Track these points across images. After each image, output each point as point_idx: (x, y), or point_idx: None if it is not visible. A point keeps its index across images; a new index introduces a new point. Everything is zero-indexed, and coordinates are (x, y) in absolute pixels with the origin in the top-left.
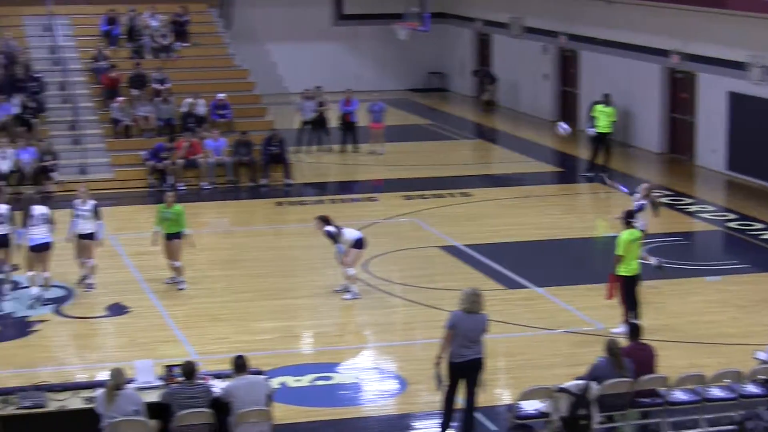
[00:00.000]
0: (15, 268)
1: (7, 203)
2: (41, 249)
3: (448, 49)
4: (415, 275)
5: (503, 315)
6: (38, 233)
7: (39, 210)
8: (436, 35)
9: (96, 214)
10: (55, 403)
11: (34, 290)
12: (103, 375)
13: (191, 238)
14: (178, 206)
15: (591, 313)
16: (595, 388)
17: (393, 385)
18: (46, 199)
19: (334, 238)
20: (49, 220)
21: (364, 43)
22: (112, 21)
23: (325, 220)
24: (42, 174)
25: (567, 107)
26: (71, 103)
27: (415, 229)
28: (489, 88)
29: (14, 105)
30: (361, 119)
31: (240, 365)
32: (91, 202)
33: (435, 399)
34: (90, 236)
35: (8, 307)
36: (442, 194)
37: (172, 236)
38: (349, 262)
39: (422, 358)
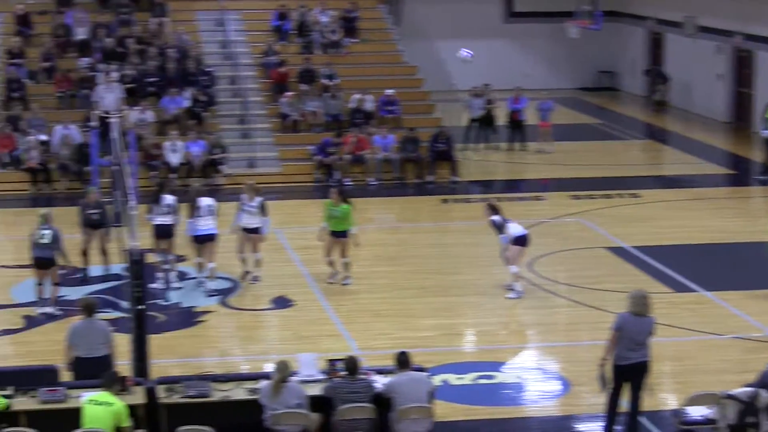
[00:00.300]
0: (181, 258)
1: (173, 194)
2: (206, 240)
3: (620, 48)
4: (581, 276)
5: (670, 318)
6: (204, 224)
7: (205, 201)
8: (607, 33)
9: (262, 210)
10: (220, 393)
11: (202, 276)
12: (267, 367)
13: (356, 236)
14: (346, 205)
15: (762, 319)
16: (765, 396)
17: (556, 386)
18: (214, 192)
19: (499, 228)
20: (214, 212)
21: (534, 40)
22: (282, 16)
23: (493, 209)
24: (211, 167)
25: (741, 108)
26: (241, 97)
27: (581, 230)
28: (660, 87)
29: (186, 98)
30: (530, 117)
31: (403, 361)
32: (258, 199)
33: (599, 401)
34: (255, 231)
35: (175, 297)
36: (611, 195)
37: (339, 234)
38: (510, 258)
39: (586, 359)
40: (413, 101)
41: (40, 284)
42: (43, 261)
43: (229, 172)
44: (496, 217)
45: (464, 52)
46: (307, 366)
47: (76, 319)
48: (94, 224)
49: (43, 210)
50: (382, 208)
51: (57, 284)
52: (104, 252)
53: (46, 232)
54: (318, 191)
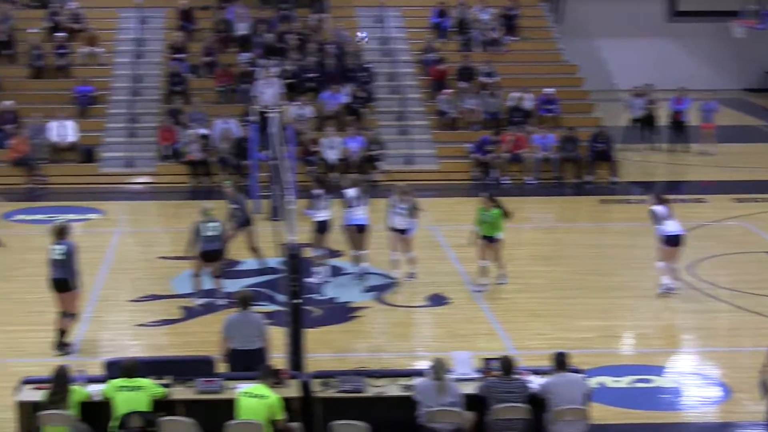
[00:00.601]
0: (337, 253)
1: (329, 190)
2: (359, 230)
3: None
4: (743, 280)
5: None
6: (356, 215)
7: (353, 192)
8: None
9: (412, 211)
10: (374, 388)
11: (359, 269)
12: (421, 364)
13: (502, 243)
14: (497, 209)
15: None
16: None
17: (716, 392)
18: (371, 188)
19: (657, 220)
20: (364, 202)
21: (698, 40)
22: (442, 14)
23: (659, 199)
24: (368, 163)
25: None
26: (399, 94)
27: (744, 234)
28: None
29: (344, 94)
30: (693, 118)
31: (560, 362)
32: (409, 200)
33: (760, 409)
34: (405, 232)
35: (331, 291)
36: None
37: (490, 238)
38: (662, 255)
39: (748, 366)
40: (573, 100)
41: (197, 276)
42: (211, 253)
43: (387, 168)
44: (657, 207)
45: (360, 35)
46: (462, 364)
47: (232, 312)
48: (237, 220)
49: (208, 203)
50: (540, 207)
51: (218, 277)
52: (254, 249)
53: (213, 224)
54: (475, 189)
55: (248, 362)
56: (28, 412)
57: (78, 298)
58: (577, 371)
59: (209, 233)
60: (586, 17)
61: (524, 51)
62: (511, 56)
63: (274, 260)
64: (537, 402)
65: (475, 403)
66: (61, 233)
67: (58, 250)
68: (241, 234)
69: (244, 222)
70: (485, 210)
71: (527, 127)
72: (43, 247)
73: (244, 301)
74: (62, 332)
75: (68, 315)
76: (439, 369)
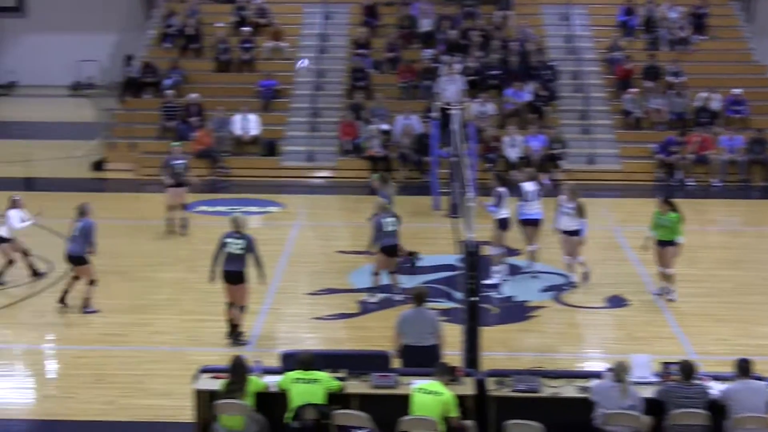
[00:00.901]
0: (515, 252)
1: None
2: (532, 224)
3: None
4: None
5: None
6: (530, 209)
7: (530, 186)
8: None
9: (580, 212)
10: (549, 389)
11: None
12: (598, 366)
13: (681, 248)
14: (674, 213)
15: None
16: None
17: None
18: (554, 188)
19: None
20: (539, 197)
21: None
22: (629, 12)
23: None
24: (549, 162)
25: None
26: (583, 92)
27: None
28: None
29: (527, 92)
30: None
31: (743, 369)
32: (576, 201)
33: None
34: (574, 233)
35: (508, 290)
36: None
37: (665, 243)
38: None
39: None
40: (762, 101)
41: (377, 274)
42: (390, 248)
43: (568, 167)
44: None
45: (301, 63)
46: (641, 367)
47: (407, 308)
48: None
49: (382, 199)
50: (726, 210)
51: (395, 272)
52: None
53: (391, 219)
54: (658, 190)
55: (420, 359)
56: (205, 401)
57: (248, 291)
58: (760, 378)
59: (389, 228)
60: None
61: (713, 50)
62: (699, 55)
63: (452, 257)
64: (717, 408)
65: (653, 407)
66: (240, 227)
67: (238, 245)
68: None
69: None
70: (662, 214)
71: (714, 128)
72: None
73: (419, 297)
74: (234, 324)
75: (238, 307)
76: (621, 371)
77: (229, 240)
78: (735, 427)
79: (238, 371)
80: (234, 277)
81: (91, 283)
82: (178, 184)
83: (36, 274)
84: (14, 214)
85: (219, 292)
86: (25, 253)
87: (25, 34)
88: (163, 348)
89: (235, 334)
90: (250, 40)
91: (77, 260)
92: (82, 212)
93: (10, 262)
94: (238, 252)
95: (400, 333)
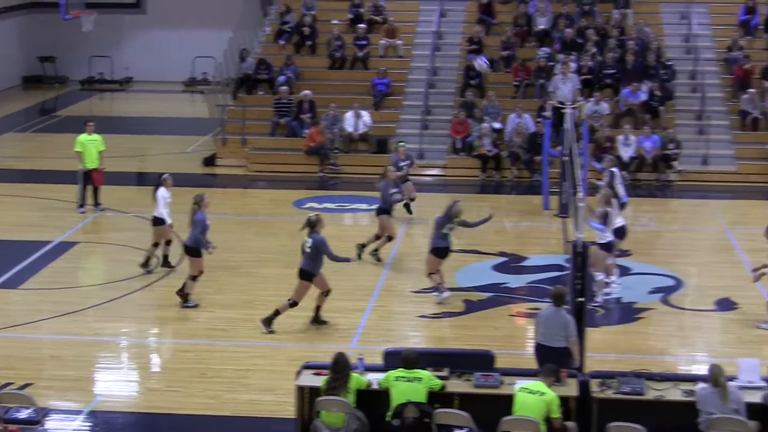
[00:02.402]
0: (625, 253)
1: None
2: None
3: None
4: None
5: None
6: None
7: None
8: None
9: (603, 219)
10: (654, 392)
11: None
12: (705, 369)
13: None
14: None
15: None
16: None
17: None
18: (665, 188)
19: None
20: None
21: None
22: (750, 11)
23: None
24: (663, 162)
25: None
26: (700, 92)
27: None
28: None
29: (643, 92)
30: None
31: None
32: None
33: None
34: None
35: (616, 291)
36: None
37: None
38: None
39: None
40: None
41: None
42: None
43: (681, 168)
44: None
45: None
46: (748, 372)
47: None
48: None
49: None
50: None
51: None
52: (377, 236)
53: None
54: None
55: (550, 359)
56: (307, 397)
57: (323, 279)
58: None
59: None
60: None
61: None
62: None
63: (560, 257)
64: None
65: (760, 412)
66: (312, 226)
67: (307, 243)
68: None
69: (379, 210)
70: None
71: None
72: (330, 235)
73: (557, 297)
74: (318, 307)
75: (324, 294)
76: (717, 375)
77: (304, 239)
78: None
79: (339, 368)
80: (304, 274)
81: (193, 278)
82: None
83: (168, 265)
84: (162, 194)
85: None
86: (168, 242)
87: (141, 30)
88: (267, 344)
89: (315, 319)
90: (364, 38)
91: (190, 251)
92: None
93: (168, 243)
94: (308, 250)
95: (536, 330)
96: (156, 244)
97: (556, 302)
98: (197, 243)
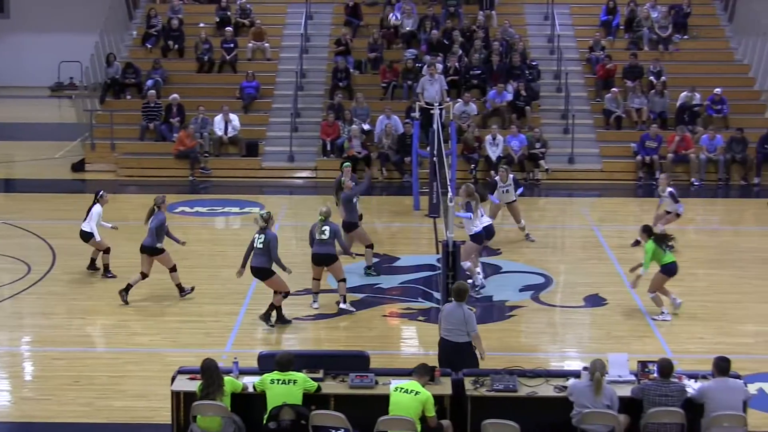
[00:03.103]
0: (496, 252)
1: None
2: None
3: None
4: None
5: None
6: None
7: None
8: None
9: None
10: (526, 388)
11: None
12: (576, 365)
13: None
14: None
15: None
16: None
17: None
18: (533, 187)
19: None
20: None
21: None
22: (611, 11)
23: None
24: (530, 161)
25: None
26: (564, 92)
27: None
28: None
29: (509, 92)
30: None
31: (722, 367)
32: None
33: None
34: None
35: (487, 290)
36: None
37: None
38: None
39: None
40: (744, 100)
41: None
42: (321, 257)
43: (548, 167)
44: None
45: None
46: (618, 366)
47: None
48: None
49: (324, 207)
50: (704, 209)
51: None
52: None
53: (326, 228)
54: (639, 190)
55: (453, 354)
56: (183, 402)
57: (278, 280)
58: (737, 377)
59: (322, 237)
60: (760, 15)
61: (695, 50)
62: (680, 55)
63: (431, 257)
64: (693, 407)
65: (630, 406)
66: (265, 223)
67: (259, 240)
68: None
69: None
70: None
71: (695, 127)
72: (202, 239)
73: (458, 293)
74: (276, 308)
75: (278, 293)
76: (597, 370)
77: (255, 236)
78: (711, 425)
79: (208, 373)
80: (258, 272)
81: (173, 269)
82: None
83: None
84: (98, 210)
85: (198, 294)
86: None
87: (4, 34)
88: (140, 349)
89: (279, 318)
90: (232, 41)
91: (151, 251)
92: (157, 205)
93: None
94: (260, 246)
95: (440, 325)
96: (108, 251)
97: (457, 298)
98: (154, 242)
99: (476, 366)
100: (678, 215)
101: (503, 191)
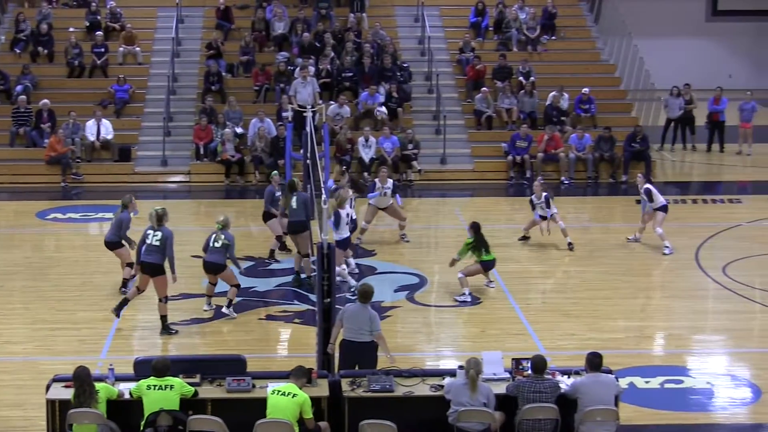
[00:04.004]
0: (372, 253)
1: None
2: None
3: None
4: None
5: None
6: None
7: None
8: None
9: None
10: (403, 388)
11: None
12: (451, 364)
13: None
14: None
15: None
16: None
17: (746, 393)
18: (406, 188)
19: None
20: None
21: (738, 39)
22: (480, 13)
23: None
24: (403, 162)
25: None
26: (436, 93)
27: None
28: None
29: (381, 94)
30: (731, 118)
31: (594, 363)
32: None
33: None
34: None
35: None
36: None
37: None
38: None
39: None
40: (610, 100)
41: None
42: (208, 265)
43: (421, 168)
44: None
45: None
46: (493, 364)
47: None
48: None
49: (221, 216)
50: (574, 207)
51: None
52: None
53: (222, 236)
54: (511, 189)
55: (356, 354)
56: (58, 411)
57: (166, 283)
58: (609, 372)
59: (216, 244)
60: (625, 16)
61: (562, 50)
62: (548, 55)
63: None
64: (566, 402)
65: (505, 403)
66: (160, 220)
67: (155, 236)
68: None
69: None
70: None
71: (564, 126)
72: (75, 245)
73: (363, 294)
74: (163, 317)
75: (162, 300)
76: (472, 368)
77: (148, 232)
78: (584, 420)
79: (80, 382)
80: (152, 268)
81: (129, 265)
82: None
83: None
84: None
85: (71, 300)
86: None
87: None
88: (13, 358)
89: (165, 327)
90: (102, 45)
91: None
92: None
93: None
94: (156, 243)
95: (342, 326)
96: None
97: (362, 299)
98: (115, 238)
99: (375, 366)
100: (556, 222)
101: (381, 194)
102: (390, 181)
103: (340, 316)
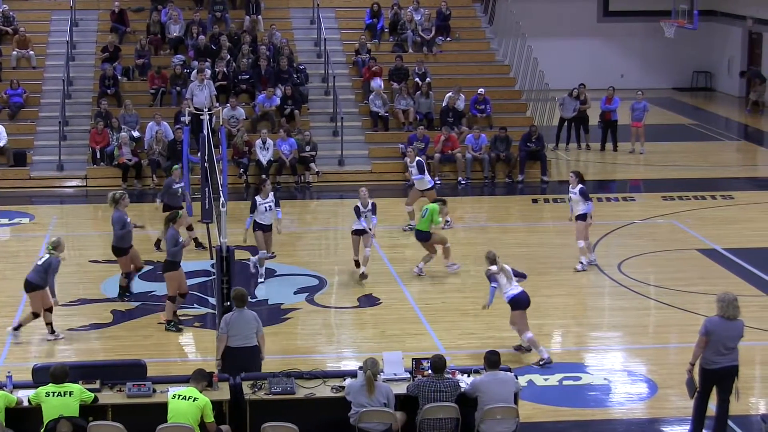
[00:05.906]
0: (271, 255)
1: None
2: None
3: (716, 48)
4: (672, 278)
5: (761, 322)
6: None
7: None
8: (704, 33)
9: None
10: (304, 390)
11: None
12: (352, 365)
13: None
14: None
15: None
16: None
17: (643, 388)
18: (304, 190)
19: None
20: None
21: (630, 39)
22: (375, 14)
23: (581, 177)
24: (301, 165)
25: None
26: (332, 95)
27: (673, 231)
28: (758, 88)
29: (278, 96)
30: (623, 117)
31: (493, 361)
32: (371, 202)
33: (686, 405)
34: (363, 232)
35: (262, 293)
36: (703, 196)
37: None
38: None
39: (674, 362)
40: (506, 100)
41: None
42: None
43: (319, 170)
44: (583, 186)
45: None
46: (393, 365)
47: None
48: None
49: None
50: (472, 207)
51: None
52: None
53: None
54: (408, 190)
55: (246, 359)
56: None
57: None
58: (507, 370)
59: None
60: (519, 17)
61: (457, 51)
62: (444, 56)
63: (206, 263)
64: (467, 401)
65: (405, 403)
66: (55, 248)
67: (44, 259)
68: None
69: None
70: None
71: (460, 127)
72: None
73: (239, 298)
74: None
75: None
76: (369, 369)
77: (44, 253)
78: (485, 418)
79: None
80: (28, 285)
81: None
82: (179, 207)
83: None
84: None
85: None
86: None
87: None
88: None
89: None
90: None
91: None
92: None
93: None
94: (40, 264)
95: (228, 336)
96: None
97: (239, 304)
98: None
99: (260, 369)
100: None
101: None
102: (370, 202)
103: (223, 329)
